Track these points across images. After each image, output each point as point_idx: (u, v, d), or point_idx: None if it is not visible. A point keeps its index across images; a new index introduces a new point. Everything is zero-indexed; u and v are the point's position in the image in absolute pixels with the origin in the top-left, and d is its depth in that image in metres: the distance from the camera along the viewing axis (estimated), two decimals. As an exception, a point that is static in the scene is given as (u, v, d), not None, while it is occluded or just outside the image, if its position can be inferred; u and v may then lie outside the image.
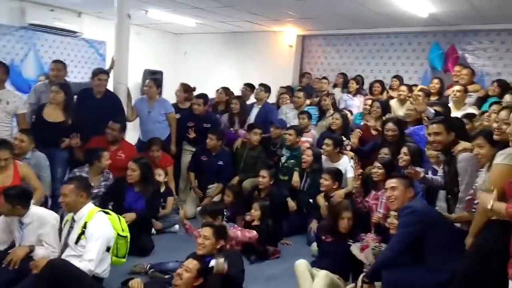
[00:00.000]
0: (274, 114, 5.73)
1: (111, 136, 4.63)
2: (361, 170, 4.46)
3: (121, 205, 3.97)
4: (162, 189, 4.65)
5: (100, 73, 4.77)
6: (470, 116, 4.41)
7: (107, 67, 5.44)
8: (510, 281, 2.08)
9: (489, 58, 6.69)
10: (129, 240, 3.19)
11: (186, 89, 5.69)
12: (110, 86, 5.08)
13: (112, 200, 4.08)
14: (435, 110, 4.27)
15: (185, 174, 5.38)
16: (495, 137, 2.64)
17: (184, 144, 5.48)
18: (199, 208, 4.82)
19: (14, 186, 3.32)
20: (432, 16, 6.00)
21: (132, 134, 5.57)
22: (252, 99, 6.24)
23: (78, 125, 4.46)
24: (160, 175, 4.58)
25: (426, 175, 3.44)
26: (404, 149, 3.91)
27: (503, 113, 2.57)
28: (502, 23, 6.25)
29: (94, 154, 4.24)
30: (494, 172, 2.36)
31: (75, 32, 7.80)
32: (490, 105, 3.69)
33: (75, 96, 4.79)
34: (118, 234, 3.12)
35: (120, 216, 3.25)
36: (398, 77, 6.60)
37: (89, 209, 3.08)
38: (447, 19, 6.28)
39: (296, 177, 4.86)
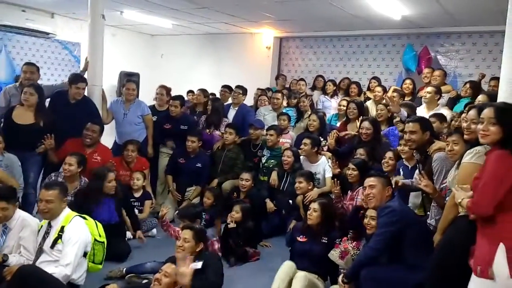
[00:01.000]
0: (252, 116, 5.73)
1: (92, 138, 4.52)
2: (338, 170, 4.50)
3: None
4: (140, 193, 4.58)
5: (79, 82, 4.64)
6: (439, 116, 4.51)
7: (81, 69, 5.32)
8: (473, 273, 2.14)
9: (461, 59, 6.88)
10: (106, 246, 3.13)
11: (168, 91, 5.63)
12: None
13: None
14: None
15: (163, 177, 5.31)
16: (465, 136, 2.71)
17: (161, 147, 5.41)
18: (177, 211, 4.76)
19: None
20: (405, 19, 6.13)
21: (107, 138, 5.46)
22: (230, 101, 6.21)
23: (50, 128, 4.33)
24: (138, 179, 4.50)
25: (405, 181, 3.50)
26: (390, 154, 3.96)
27: (472, 113, 2.63)
28: (473, 25, 6.44)
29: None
30: (463, 170, 2.42)
31: (48, 33, 7.63)
32: (465, 106, 3.77)
33: (48, 99, 4.67)
34: (95, 239, 3.07)
35: (97, 222, 3.19)
36: (376, 78, 6.72)
37: (66, 213, 3.03)
38: (420, 22, 6.43)
39: (274, 175, 4.87)
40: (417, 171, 3.29)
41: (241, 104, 5.81)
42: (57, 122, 4.45)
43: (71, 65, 8.22)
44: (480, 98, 3.20)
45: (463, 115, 3.45)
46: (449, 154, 2.86)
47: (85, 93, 4.85)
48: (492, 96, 3.31)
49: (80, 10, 6.60)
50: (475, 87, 5.49)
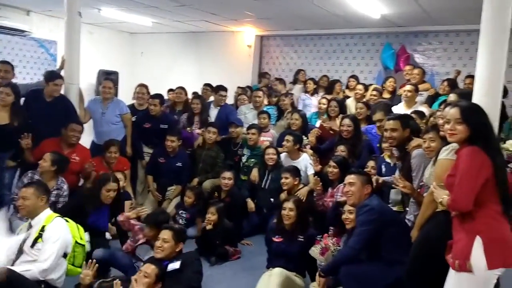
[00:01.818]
0: (234, 115, 5.70)
1: (75, 138, 4.43)
2: (320, 166, 4.53)
3: (84, 223, 3.46)
4: (119, 193, 4.50)
5: (56, 78, 4.53)
6: (420, 114, 4.58)
7: (58, 67, 5.20)
8: (450, 268, 2.17)
9: (438, 58, 6.99)
10: (86, 249, 3.10)
11: (148, 90, 5.56)
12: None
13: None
14: None
15: (143, 177, 5.25)
16: (441, 133, 2.76)
17: (144, 147, 5.33)
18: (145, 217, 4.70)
19: None
20: (384, 18, 6.20)
21: (84, 137, 5.35)
22: (212, 99, 6.18)
23: (25, 128, 4.22)
24: (120, 180, 4.42)
25: (385, 178, 3.54)
26: (372, 163, 4.01)
27: (447, 110, 2.68)
28: (450, 24, 6.55)
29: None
30: (439, 167, 2.47)
31: (23, 31, 7.44)
32: (440, 104, 3.84)
33: (23, 98, 4.55)
34: (76, 242, 3.05)
35: (79, 226, 3.15)
36: (354, 77, 6.79)
37: (47, 214, 3.03)
38: (398, 21, 6.51)
39: (255, 172, 4.86)
40: (396, 174, 3.33)
41: (223, 103, 5.77)
42: (32, 121, 4.35)
43: (47, 64, 8.02)
44: (452, 97, 3.25)
45: (438, 113, 3.52)
46: (426, 151, 2.91)
47: (62, 92, 4.76)
48: (463, 94, 3.36)
49: (57, 8, 6.44)
50: (453, 85, 5.60)
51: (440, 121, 2.79)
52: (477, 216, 2.11)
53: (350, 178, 2.96)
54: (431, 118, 4.27)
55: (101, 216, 3.76)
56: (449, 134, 2.25)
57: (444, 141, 2.66)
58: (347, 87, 6.73)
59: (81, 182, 4.65)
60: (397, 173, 3.52)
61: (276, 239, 3.38)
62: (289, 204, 3.38)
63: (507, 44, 3.08)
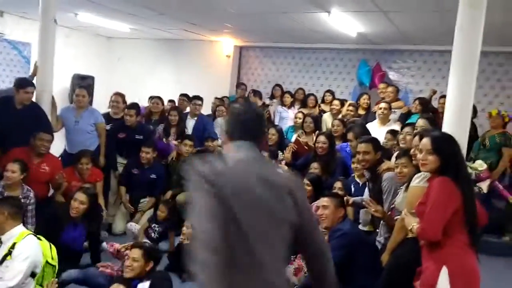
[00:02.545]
0: (212, 127, 5.69)
1: (45, 148, 4.31)
2: None
3: (56, 242, 3.26)
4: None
5: (27, 86, 4.41)
6: (393, 134, 4.68)
7: (31, 69, 5.05)
8: None
9: (412, 76, 7.19)
10: (57, 271, 3.02)
11: (124, 99, 5.47)
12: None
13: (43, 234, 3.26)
14: None
15: (115, 188, 5.15)
16: (414, 162, 2.82)
17: (117, 157, 5.24)
18: (129, 223, 4.64)
19: None
20: (361, 35, 6.33)
21: (56, 144, 5.22)
22: (188, 110, 6.13)
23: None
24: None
25: (355, 198, 3.59)
26: (338, 184, 4.03)
27: (416, 139, 2.76)
28: (424, 44, 6.74)
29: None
30: (411, 194, 2.53)
31: (-4, 33, 7.23)
32: (403, 127, 3.93)
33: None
34: (47, 261, 2.96)
35: (51, 244, 3.06)
36: (330, 92, 6.86)
37: (20, 231, 2.96)
38: (375, 39, 6.66)
39: None
40: (366, 194, 3.38)
41: (199, 115, 5.74)
42: (2, 129, 4.22)
43: (20, 66, 7.82)
44: (421, 123, 3.33)
45: (401, 136, 3.62)
46: (398, 176, 2.98)
47: (34, 99, 4.64)
48: (431, 119, 3.47)
49: (32, 10, 6.28)
50: (424, 103, 5.75)
51: (412, 151, 2.85)
52: (445, 246, 2.17)
53: (323, 201, 2.99)
54: (400, 137, 4.38)
55: (76, 236, 3.61)
56: (421, 164, 2.32)
57: (417, 168, 2.72)
58: (323, 101, 6.80)
59: (51, 192, 4.54)
60: (366, 192, 3.59)
61: None
62: None
63: (477, 66, 3.21)
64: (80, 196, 3.65)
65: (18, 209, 3.04)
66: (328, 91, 6.90)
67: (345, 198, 3.45)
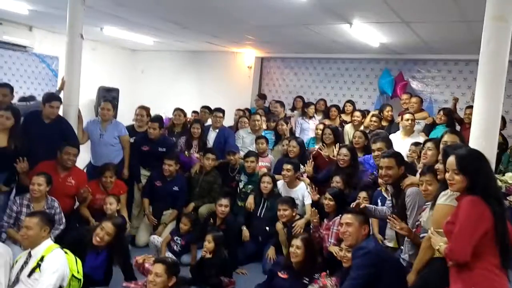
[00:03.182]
0: (233, 139, 5.70)
1: (71, 162, 4.39)
2: (318, 196, 4.50)
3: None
4: (114, 218, 4.47)
5: (53, 100, 4.52)
6: (419, 145, 4.58)
7: (59, 82, 5.20)
8: None
9: (437, 86, 7.05)
10: (82, 284, 3.08)
11: (148, 112, 5.56)
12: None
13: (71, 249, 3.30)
14: None
15: (139, 200, 5.21)
16: (438, 177, 2.76)
17: (141, 169, 5.31)
18: (152, 236, 4.69)
19: None
20: (383, 46, 6.26)
21: (82, 155, 5.33)
22: (209, 122, 6.18)
23: (23, 151, 4.21)
24: (112, 204, 4.40)
25: (368, 206, 3.52)
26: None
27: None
28: (448, 53, 6.62)
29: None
30: (438, 212, 2.46)
31: (25, 47, 7.47)
32: (425, 142, 3.84)
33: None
34: (73, 275, 3.05)
35: (77, 258, 3.14)
36: (351, 102, 6.80)
37: (48, 244, 3.06)
38: (397, 49, 6.58)
39: (250, 199, 4.84)
40: (386, 204, 3.30)
41: (221, 127, 5.77)
42: (30, 143, 4.33)
43: (48, 79, 8.06)
44: (446, 138, 3.23)
45: (423, 151, 3.53)
46: (423, 193, 2.91)
47: (61, 113, 4.77)
48: (457, 134, 3.37)
49: (59, 24, 6.50)
50: (449, 114, 5.64)
51: (438, 165, 2.79)
52: (474, 268, 2.10)
53: (347, 218, 2.93)
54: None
55: (98, 265, 3.48)
56: (449, 183, 2.26)
57: (442, 184, 2.66)
58: (343, 111, 6.74)
59: (77, 204, 4.64)
60: (387, 204, 3.52)
61: (282, 274, 3.35)
62: (297, 242, 3.36)
63: (505, 78, 3.12)
64: (107, 226, 3.49)
65: (49, 223, 3.13)
66: (348, 101, 6.85)
67: (356, 201, 3.39)
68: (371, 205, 3.58)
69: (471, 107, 5.30)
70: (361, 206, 3.39)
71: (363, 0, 4.18)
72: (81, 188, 4.43)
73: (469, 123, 4.39)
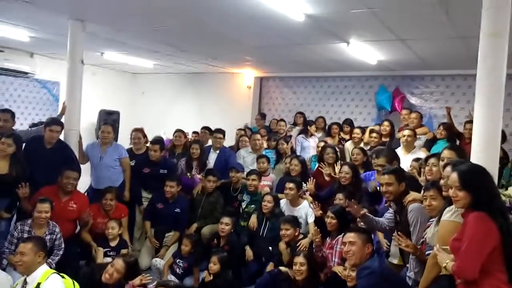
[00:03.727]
0: (234, 159, 5.69)
1: (72, 186, 4.40)
2: (321, 212, 4.48)
3: None
4: (116, 242, 4.43)
5: (53, 124, 4.56)
6: (420, 161, 4.58)
7: (60, 107, 5.24)
8: None
9: (435, 101, 7.09)
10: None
11: (144, 134, 5.58)
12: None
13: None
14: None
15: (140, 223, 5.18)
16: (444, 193, 2.74)
17: (142, 192, 5.29)
18: (154, 259, 4.64)
19: None
20: (381, 63, 6.33)
21: (84, 177, 5.33)
22: (210, 142, 6.18)
23: (24, 177, 4.21)
24: (113, 228, 4.37)
25: (368, 214, 3.50)
26: (339, 196, 4.00)
27: (448, 169, 2.67)
28: (445, 69, 6.67)
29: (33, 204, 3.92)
30: (443, 228, 2.44)
31: (26, 73, 7.57)
32: (428, 158, 3.83)
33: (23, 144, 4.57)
34: None
35: (75, 282, 3.09)
36: (347, 121, 6.82)
37: (44, 270, 3.02)
38: (395, 66, 6.65)
39: (253, 218, 4.81)
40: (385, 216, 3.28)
41: (221, 147, 5.78)
42: (32, 168, 4.34)
43: (49, 104, 8.14)
44: (447, 154, 3.22)
45: (427, 168, 3.52)
46: (428, 209, 2.89)
47: (62, 138, 4.79)
48: (457, 149, 3.36)
49: (60, 50, 6.60)
50: (448, 128, 5.65)
51: (442, 181, 2.77)
52: (483, 285, 2.07)
53: (350, 236, 2.90)
54: (426, 168, 4.27)
55: None
56: (453, 200, 2.25)
57: (447, 200, 2.64)
58: (342, 129, 6.75)
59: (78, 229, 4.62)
60: (385, 216, 3.50)
61: None
62: (299, 259, 3.33)
63: (503, 93, 3.13)
64: (118, 264, 3.37)
65: (44, 249, 3.11)
66: (345, 121, 6.85)
67: (355, 205, 3.36)
68: (370, 216, 3.55)
69: (471, 122, 5.32)
70: (361, 213, 3.37)
71: (359, 19, 4.24)
72: (82, 212, 4.41)
73: (469, 138, 4.39)
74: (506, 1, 2.92)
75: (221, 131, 5.85)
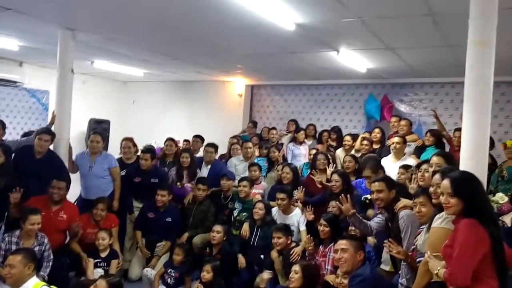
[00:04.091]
0: (226, 170, 5.68)
1: (58, 195, 4.35)
2: (313, 216, 4.49)
3: None
4: (106, 253, 4.38)
5: (42, 133, 4.52)
6: (407, 167, 4.61)
7: (50, 116, 5.19)
8: None
9: (424, 108, 7.16)
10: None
11: (134, 143, 5.55)
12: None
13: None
14: None
15: (131, 233, 5.13)
16: (433, 201, 2.76)
17: (134, 201, 5.25)
18: (145, 269, 4.59)
19: None
20: (371, 71, 6.40)
21: (75, 186, 5.27)
22: (201, 151, 6.16)
23: (12, 188, 4.16)
24: (104, 239, 4.32)
25: (357, 215, 3.52)
26: (332, 203, 4.02)
27: (437, 177, 2.70)
28: (434, 76, 6.76)
29: (23, 215, 3.87)
30: (434, 235, 2.45)
31: (15, 82, 7.49)
32: (419, 165, 3.86)
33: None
34: None
35: None
36: (335, 129, 6.88)
37: (34, 282, 2.98)
38: (384, 74, 6.72)
39: (246, 226, 4.79)
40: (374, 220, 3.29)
41: (213, 160, 5.76)
42: (22, 178, 4.29)
43: (38, 113, 8.06)
44: (436, 160, 3.24)
45: (419, 174, 3.54)
46: (417, 215, 2.91)
47: (51, 147, 4.74)
48: (446, 156, 3.39)
49: (50, 59, 6.55)
50: (436, 134, 5.71)
51: (431, 189, 2.79)
52: None
53: (342, 244, 2.91)
54: (418, 174, 4.30)
55: None
56: (444, 207, 2.27)
57: (437, 208, 2.66)
58: (330, 138, 6.79)
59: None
60: (375, 220, 3.52)
61: None
62: (295, 267, 3.33)
63: (491, 102, 3.17)
64: (101, 285, 3.20)
65: (34, 260, 3.06)
66: (333, 128, 6.90)
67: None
68: (360, 217, 3.58)
69: (459, 129, 5.39)
70: (350, 212, 3.39)
71: (348, 28, 4.29)
72: (72, 223, 4.36)
73: (458, 146, 4.44)
74: (492, 11, 2.97)
75: (213, 146, 5.83)
